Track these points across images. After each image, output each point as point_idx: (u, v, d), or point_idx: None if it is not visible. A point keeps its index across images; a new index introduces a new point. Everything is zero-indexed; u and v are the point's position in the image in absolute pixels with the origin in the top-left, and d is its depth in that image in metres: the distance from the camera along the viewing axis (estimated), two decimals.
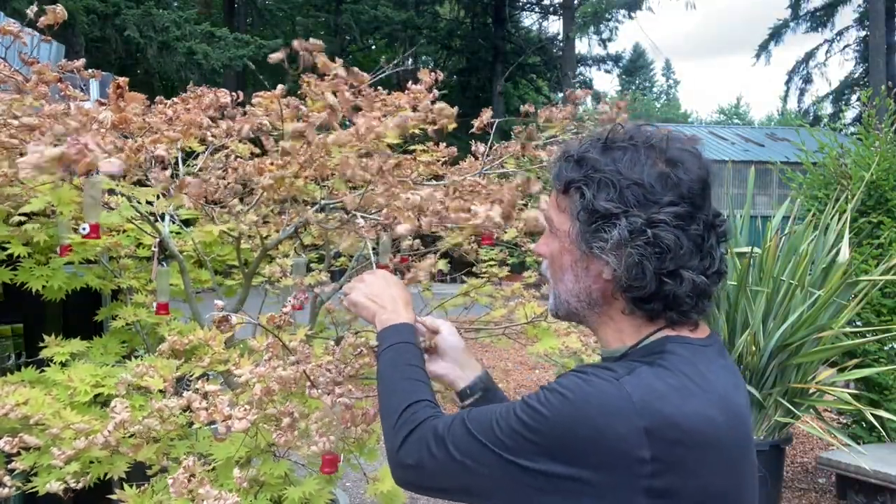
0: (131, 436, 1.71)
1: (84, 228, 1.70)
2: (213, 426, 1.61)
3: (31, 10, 1.75)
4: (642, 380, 0.87)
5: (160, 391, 1.78)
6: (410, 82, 2.24)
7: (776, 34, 25.19)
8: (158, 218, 2.38)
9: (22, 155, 1.92)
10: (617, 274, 0.92)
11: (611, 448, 0.84)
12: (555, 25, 29.83)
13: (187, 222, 2.68)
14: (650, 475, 0.83)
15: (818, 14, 24.42)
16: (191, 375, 1.86)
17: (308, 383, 1.44)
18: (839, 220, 4.22)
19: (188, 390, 1.56)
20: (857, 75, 24.51)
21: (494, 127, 2.45)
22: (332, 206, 2.42)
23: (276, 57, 1.79)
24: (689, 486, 0.85)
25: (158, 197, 2.36)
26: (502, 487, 0.91)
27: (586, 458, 0.85)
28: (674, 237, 0.89)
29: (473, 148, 2.48)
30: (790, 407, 3.82)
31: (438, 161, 2.51)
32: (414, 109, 2.05)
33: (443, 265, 2.92)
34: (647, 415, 0.84)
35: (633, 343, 0.96)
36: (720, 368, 0.95)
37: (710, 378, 0.91)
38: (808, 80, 25.54)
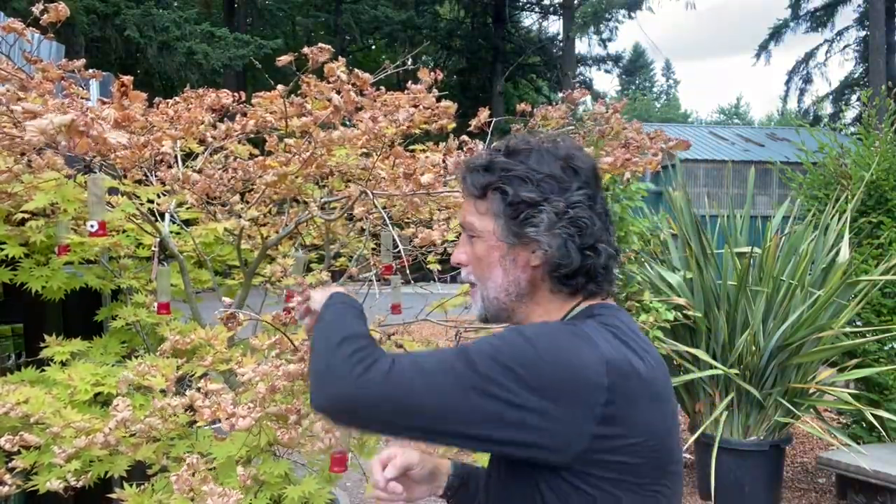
0: (132, 435, 1.71)
1: (92, 226, 1.70)
2: (214, 426, 1.61)
3: (36, 8, 1.76)
4: (590, 326, 0.98)
5: (161, 391, 1.78)
6: (410, 82, 2.24)
7: (776, 34, 25.18)
8: (158, 217, 2.38)
9: (23, 154, 1.92)
10: (548, 254, 1.02)
11: (576, 377, 0.91)
12: (555, 25, 29.85)
13: (187, 222, 2.68)
14: (604, 403, 0.91)
15: (818, 14, 24.40)
16: (192, 375, 1.86)
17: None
18: (839, 220, 4.22)
19: (189, 389, 1.56)
20: (857, 75, 24.50)
21: (492, 126, 2.46)
22: (331, 202, 2.42)
23: (284, 60, 1.80)
24: (637, 418, 0.94)
25: (160, 195, 2.36)
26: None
27: (553, 388, 0.91)
28: (588, 215, 1.03)
29: (471, 146, 2.48)
30: (790, 407, 3.83)
31: (443, 161, 2.53)
32: (415, 108, 2.06)
33: (434, 262, 2.93)
34: (606, 349, 0.94)
35: (560, 319, 1.06)
36: (636, 325, 1.07)
37: (635, 329, 1.03)
38: (808, 80, 25.53)
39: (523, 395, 0.89)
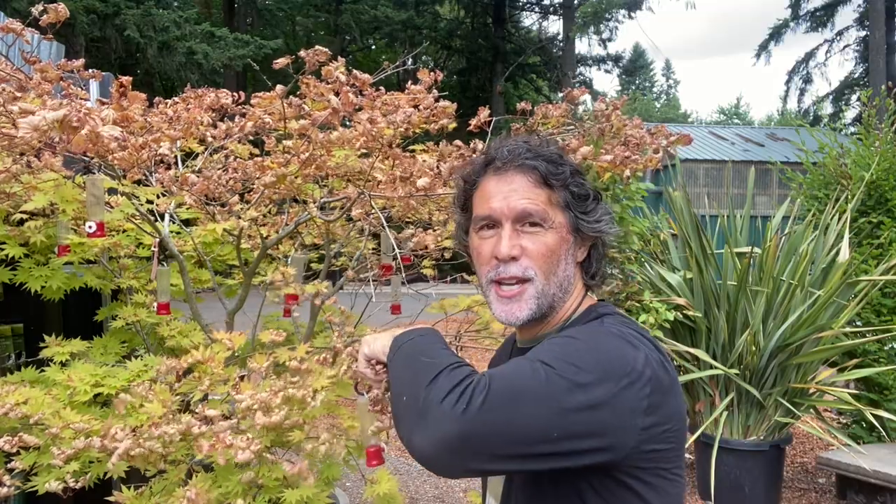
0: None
1: (90, 227, 1.69)
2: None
3: (35, 9, 1.75)
4: (615, 326, 0.99)
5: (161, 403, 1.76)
6: (410, 82, 2.24)
7: (776, 34, 25.19)
8: (158, 217, 2.38)
9: (22, 154, 1.92)
10: (605, 248, 1.06)
11: (629, 372, 0.91)
12: (555, 25, 29.90)
13: (187, 222, 2.68)
14: (648, 394, 0.91)
15: (818, 14, 24.41)
16: (191, 398, 1.85)
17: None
18: (839, 220, 4.22)
19: (186, 414, 1.54)
20: (857, 75, 24.50)
21: (492, 125, 2.45)
22: (331, 202, 2.42)
23: (281, 62, 1.80)
24: (669, 406, 0.95)
25: (159, 196, 2.36)
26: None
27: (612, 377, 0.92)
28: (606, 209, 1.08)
29: (464, 151, 2.49)
30: (790, 407, 3.82)
31: (437, 167, 2.53)
32: (415, 108, 2.05)
33: (429, 268, 2.93)
34: (640, 346, 0.95)
35: (566, 318, 1.08)
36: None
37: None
38: (808, 80, 25.54)
39: (602, 397, 0.87)
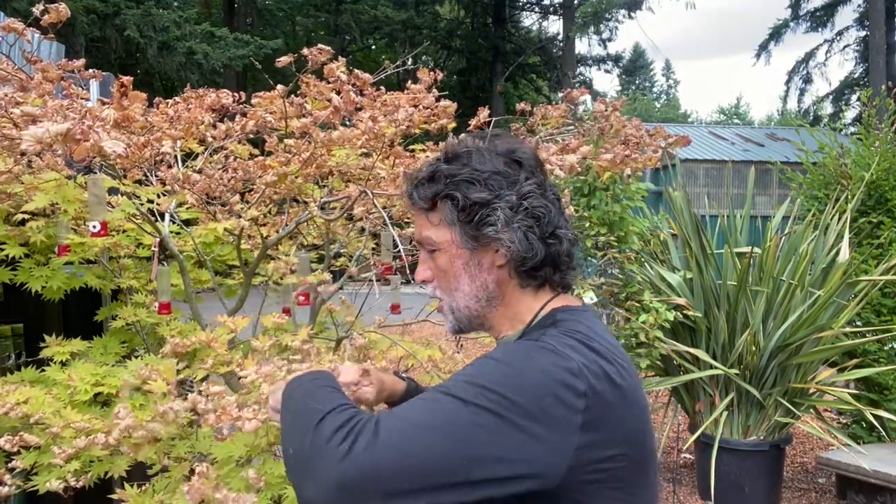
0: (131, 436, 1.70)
1: (94, 226, 1.70)
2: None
3: (36, 8, 1.76)
4: (553, 337, 0.94)
5: (163, 394, 1.78)
6: (410, 82, 2.24)
7: (776, 34, 25.20)
8: (158, 217, 2.38)
9: (23, 155, 1.92)
10: (512, 250, 1.01)
11: (554, 390, 0.86)
12: (555, 25, 29.91)
13: (187, 222, 2.68)
14: (583, 410, 0.86)
15: (818, 14, 24.42)
16: (193, 378, 1.86)
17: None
18: (839, 220, 4.22)
19: (190, 392, 1.55)
20: (857, 75, 24.51)
21: (492, 125, 2.46)
22: (331, 202, 2.42)
23: (284, 61, 1.80)
24: (615, 421, 0.90)
25: (160, 195, 2.36)
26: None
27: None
28: (542, 204, 1.02)
29: None
30: (790, 407, 3.83)
31: None
32: (414, 108, 2.06)
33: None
34: (575, 357, 0.90)
35: (527, 323, 1.05)
36: (602, 326, 1.04)
37: (599, 331, 0.99)
38: (808, 80, 25.55)
39: (516, 418, 0.83)
